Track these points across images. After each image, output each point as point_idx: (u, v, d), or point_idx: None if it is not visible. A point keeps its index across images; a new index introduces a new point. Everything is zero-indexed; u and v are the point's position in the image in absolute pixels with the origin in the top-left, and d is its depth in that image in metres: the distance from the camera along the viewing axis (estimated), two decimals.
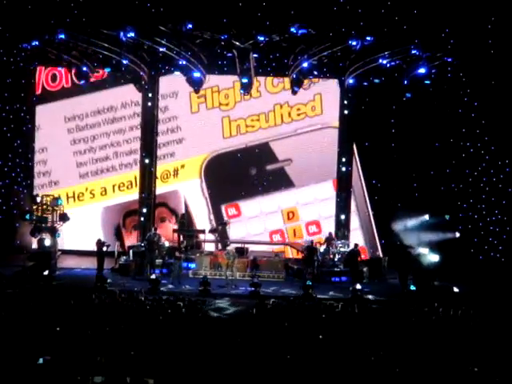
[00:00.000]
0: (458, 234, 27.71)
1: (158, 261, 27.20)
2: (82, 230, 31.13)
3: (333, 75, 29.54)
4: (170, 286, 25.09)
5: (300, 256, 28.70)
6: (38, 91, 31.66)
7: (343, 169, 29.81)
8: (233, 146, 31.89)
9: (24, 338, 15.19)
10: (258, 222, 31.93)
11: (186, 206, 31.99)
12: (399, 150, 30.27)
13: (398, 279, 26.10)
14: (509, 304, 21.86)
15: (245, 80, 27.44)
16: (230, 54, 27.36)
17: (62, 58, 27.30)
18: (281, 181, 31.72)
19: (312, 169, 31.39)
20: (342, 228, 29.71)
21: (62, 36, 25.84)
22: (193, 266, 27.97)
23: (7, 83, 30.57)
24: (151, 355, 14.61)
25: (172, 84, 30.97)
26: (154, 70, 29.72)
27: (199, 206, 31.96)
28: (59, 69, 30.89)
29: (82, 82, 28.71)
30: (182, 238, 29.22)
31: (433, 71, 27.00)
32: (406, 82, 27.40)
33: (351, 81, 28.76)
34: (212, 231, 29.99)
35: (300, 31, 25.31)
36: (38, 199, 27.10)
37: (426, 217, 27.35)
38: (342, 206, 29.93)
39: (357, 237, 30.49)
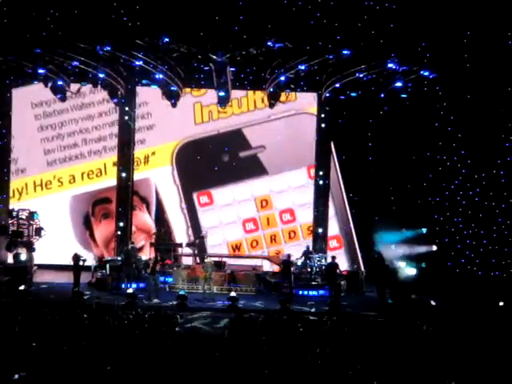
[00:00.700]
0: (434, 248, 27.84)
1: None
2: (51, 223, 29.91)
3: (310, 89, 29.68)
4: (146, 302, 24.81)
5: (277, 269, 28.69)
6: None
7: (320, 182, 29.89)
8: (205, 132, 31.57)
9: None
10: (230, 210, 31.64)
11: (157, 194, 31.73)
12: (376, 164, 30.37)
13: (375, 293, 26.14)
14: (485, 317, 21.93)
15: (222, 93, 27.49)
16: (206, 68, 27.41)
17: (37, 72, 27.02)
18: (254, 168, 31.43)
19: (286, 156, 31.14)
20: (320, 241, 29.74)
21: (38, 50, 25.73)
22: (170, 279, 27.86)
23: None
24: (128, 370, 14.49)
25: None
26: (131, 83, 29.65)
27: (170, 193, 31.66)
28: None
29: (59, 96, 28.45)
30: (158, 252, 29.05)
31: (409, 85, 27.12)
32: (382, 96, 27.61)
33: (328, 94, 28.88)
34: (189, 245, 29.88)
35: (277, 45, 25.38)
36: (14, 213, 26.93)
37: (403, 230, 27.44)
38: (320, 218, 29.97)
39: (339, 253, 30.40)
